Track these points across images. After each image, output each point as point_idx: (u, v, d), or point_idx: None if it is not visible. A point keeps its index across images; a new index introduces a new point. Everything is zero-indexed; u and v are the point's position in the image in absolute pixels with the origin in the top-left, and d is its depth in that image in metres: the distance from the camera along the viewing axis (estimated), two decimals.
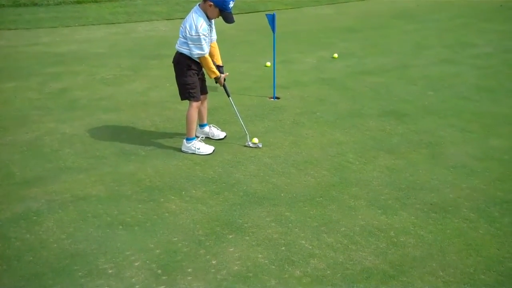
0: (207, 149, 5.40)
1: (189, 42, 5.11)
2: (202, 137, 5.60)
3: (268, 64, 8.43)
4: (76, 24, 12.69)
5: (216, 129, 5.76)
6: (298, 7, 14.81)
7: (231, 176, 4.78)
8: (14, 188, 4.61)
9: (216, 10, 5.07)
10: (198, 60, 5.24)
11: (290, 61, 8.75)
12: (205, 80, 5.59)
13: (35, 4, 14.23)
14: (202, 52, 5.14)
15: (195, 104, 5.35)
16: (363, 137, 5.62)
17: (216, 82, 5.50)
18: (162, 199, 4.37)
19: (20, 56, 9.70)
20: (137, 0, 14.82)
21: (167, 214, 4.14)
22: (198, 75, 5.36)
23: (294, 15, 13.75)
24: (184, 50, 5.18)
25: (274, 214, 4.12)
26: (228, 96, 5.61)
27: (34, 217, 4.12)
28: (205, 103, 5.73)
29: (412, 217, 4.04)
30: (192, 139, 5.39)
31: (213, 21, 5.25)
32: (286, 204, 4.27)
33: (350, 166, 4.94)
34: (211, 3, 5.02)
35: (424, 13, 13.41)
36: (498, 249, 3.63)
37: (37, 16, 13.32)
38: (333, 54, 9.10)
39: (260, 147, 5.44)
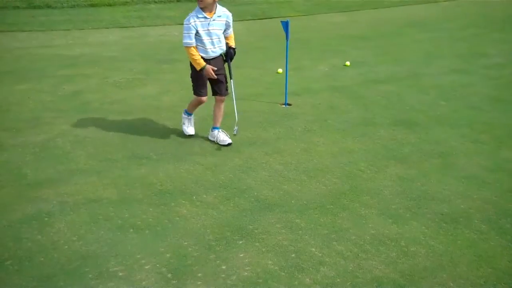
0: (187, 128, 5.93)
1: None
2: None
3: (280, 70, 8.45)
4: (90, 27, 12.78)
5: (224, 134, 5.77)
6: (311, 14, 14.84)
7: (242, 181, 4.79)
8: (26, 189, 4.64)
9: None
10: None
11: (302, 68, 8.77)
12: (223, 82, 5.68)
13: (49, 6, 14.34)
14: (185, 41, 5.37)
15: (197, 98, 5.68)
16: (375, 146, 5.61)
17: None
18: (173, 203, 4.39)
19: (34, 58, 9.77)
20: (150, 5, 14.89)
21: (177, 218, 4.16)
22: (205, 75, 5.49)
23: (306, 22, 13.78)
24: None
25: (284, 220, 4.12)
26: (231, 78, 5.74)
27: (46, 218, 4.14)
28: (221, 106, 5.80)
29: (423, 227, 4.03)
30: (189, 114, 5.92)
31: (216, 16, 5.38)
32: (296, 211, 4.27)
33: (361, 174, 4.94)
34: None
35: (436, 22, 13.39)
36: (509, 261, 3.62)
37: (51, 18, 13.41)
38: (345, 62, 9.11)
39: (234, 134, 5.72)
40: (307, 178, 4.85)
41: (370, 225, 4.05)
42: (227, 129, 5.80)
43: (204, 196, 4.52)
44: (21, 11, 13.79)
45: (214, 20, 5.38)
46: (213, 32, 5.41)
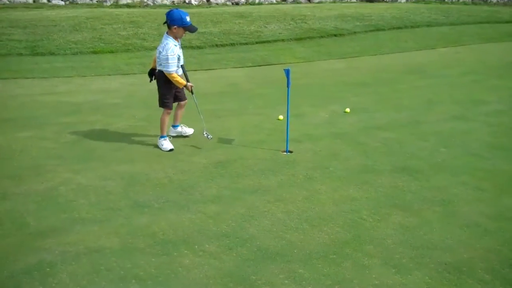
0: (168, 145, 7.00)
1: (163, 62, 6.72)
2: (171, 137, 7.33)
3: (281, 117, 8.52)
4: (92, 74, 12.92)
5: (185, 127, 7.52)
6: (310, 61, 15.02)
7: (244, 230, 4.79)
8: (28, 238, 4.64)
9: (181, 29, 6.74)
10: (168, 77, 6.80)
11: (302, 115, 8.84)
12: (183, 90, 7.18)
13: (53, 54, 14.51)
14: (172, 69, 6.74)
15: (167, 111, 7.09)
16: (376, 194, 5.63)
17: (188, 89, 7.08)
18: (175, 253, 4.38)
19: (36, 105, 9.86)
20: (152, 51, 15.07)
21: (180, 268, 4.14)
22: (174, 88, 7.01)
23: (306, 68, 13.94)
24: (160, 68, 6.81)
25: (287, 271, 4.11)
26: (192, 93, 7.15)
27: (48, 269, 4.13)
28: (183, 108, 7.45)
29: (426, 277, 4.02)
30: (163, 137, 7.07)
31: (180, 41, 6.91)
32: (299, 261, 4.26)
33: (363, 223, 4.94)
34: (175, 26, 6.69)
35: (435, 68, 13.55)
36: None
37: (54, 65, 13.58)
38: (345, 109, 9.18)
39: (209, 139, 7.16)
40: (309, 227, 4.85)
41: (374, 276, 4.04)
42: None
43: (207, 245, 4.52)
44: (25, 58, 13.96)
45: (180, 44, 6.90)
46: (181, 53, 6.93)
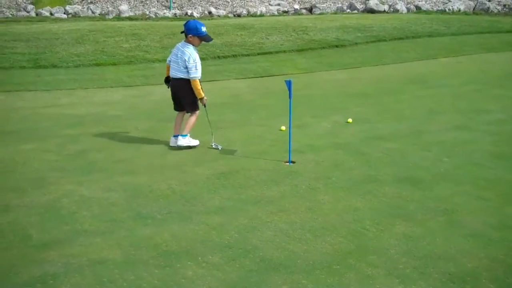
0: (194, 141, 7.52)
1: (190, 69, 7.14)
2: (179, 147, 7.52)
3: (283, 128, 8.53)
4: (95, 86, 12.96)
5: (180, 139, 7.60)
6: (312, 72, 15.04)
7: (247, 241, 4.78)
8: (32, 250, 4.64)
9: (196, 38, 7.19)
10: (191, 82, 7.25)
11: (304, 125, 8.85)
12: None
13: (55, 66, 14.55)
14: (198, 75, 7.23)
15: (197, 114, 7.55)
16: (379, 204, 5.62)
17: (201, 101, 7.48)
18: (178, 265, 4.37)
19: (39, 117, 9.89)
20: (154, 64, 15.13)
21: (183, 280, 4.14)
22: None
23: (307, 79, 13.97)
24: (184, 76, 7.24)
25: (290, 282, 4.10)
26: (204, 107, 7.53)
27: (51, 281, 4.13)
28: (183, 119, 7.70)
29: (430, 287, 4.00)
30: (185, 135, 7.44)
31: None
32: (303, 271, 4.25)
33: (366, 233, 4.93)
34: (190, 35, 7.16)
35: (436, 78, 13.56)
36: None
37: (56, 77, 13.61)
38: (347, 119, 9.19)
39: (219, 149, 7.36)
40: (312, 238, 4.84)
41: (377, 286, 4.03)
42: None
43: (210, 256, 4.51)
44: (27, 71, 13.99)
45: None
46: None
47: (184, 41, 7.27)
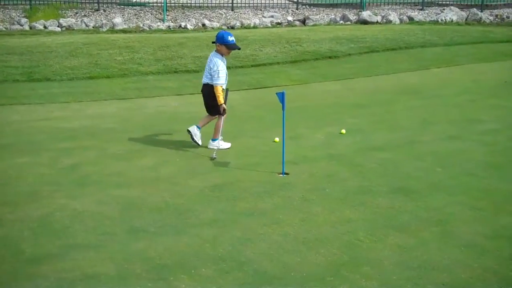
0: (226, 143, 8.02)
1: (214, 76, 7.59)
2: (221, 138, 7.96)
3: (277, 139, 8.52)
4: (88, 99, 12.92)
5: (198, 136, 8.00)
6: (305, 83, 15.06)
7: (241, 254, 4.77)
8: (24, 265, 4.61)
9: (223, 47, 7.65)
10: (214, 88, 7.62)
11: (298, 137, 8.85)
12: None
13: (49, 79, 14.50)
14: (219, 83, 7.60)
15: (223, 117, 7.87)
16: (373, 215, 5.62)
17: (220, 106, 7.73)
18: (171, 278, 4.36)
19: (33, 131, 9.85)
20: (148, 76, 15.12)
21: None
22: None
23: (301, 90, 13.98)
24: (210, 82, 7.69)
25: None
26: (221, 114, 7.86)
27: None
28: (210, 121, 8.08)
29: None
30: (216, 139, 7.85)
31: (225, 60, 7.85)
32: (296, 284, 4.24)
33: (360, 244, 4.93)
34: (219, 44, 7.66)
35: (429, 88, 13.60)
36: None
37: (50, 91, 13.57)
38: (340, 130, 9.19)
39: (214, 158, 7.49)
40: (306, 249, 4.84)
41: None
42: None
43: (203, 269, 4.50)
44: (21, 84, 13.95)
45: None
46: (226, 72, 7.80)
47: (215, 50, 7.79)
